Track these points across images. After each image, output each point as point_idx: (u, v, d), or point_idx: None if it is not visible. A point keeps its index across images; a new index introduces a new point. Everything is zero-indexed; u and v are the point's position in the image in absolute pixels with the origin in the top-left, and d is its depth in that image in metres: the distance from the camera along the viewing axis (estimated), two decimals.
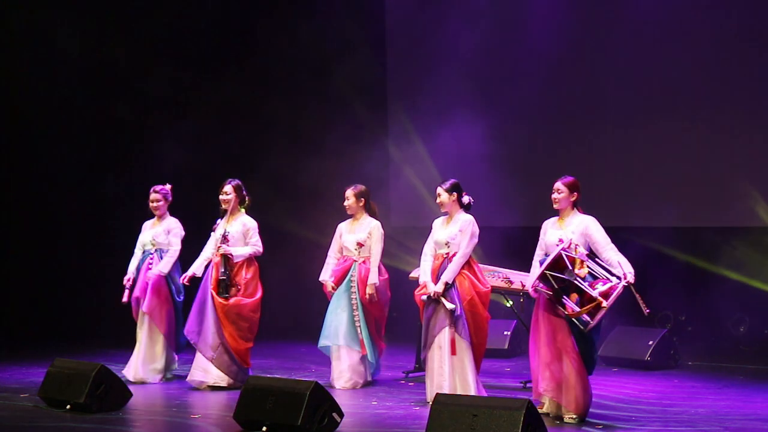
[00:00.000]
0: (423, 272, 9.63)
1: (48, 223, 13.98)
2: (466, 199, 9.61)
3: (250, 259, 10.57)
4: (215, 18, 14.41)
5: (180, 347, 11.05)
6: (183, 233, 11.08)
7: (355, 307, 10.37)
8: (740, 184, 12.32)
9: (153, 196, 11.08)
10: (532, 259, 9.03)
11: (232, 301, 10.42)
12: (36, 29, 13.65)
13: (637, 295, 8.43)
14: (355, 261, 10.46)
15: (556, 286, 8.51)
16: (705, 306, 12.82)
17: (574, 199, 8.90)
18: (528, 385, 10.22)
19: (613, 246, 8.76)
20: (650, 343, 11.18)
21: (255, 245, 10.56)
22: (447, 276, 9.43)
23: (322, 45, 14.33)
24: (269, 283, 11.06)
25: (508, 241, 12.52)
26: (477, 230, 9.51)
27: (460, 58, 13.72)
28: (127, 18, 14.11)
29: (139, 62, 13.96)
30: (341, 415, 8.44)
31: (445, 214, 9.68)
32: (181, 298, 11.01)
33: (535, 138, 13.62)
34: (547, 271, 8.53)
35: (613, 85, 13.13)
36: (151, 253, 11.03)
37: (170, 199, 11.15)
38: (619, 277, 8.49)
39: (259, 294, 10.56)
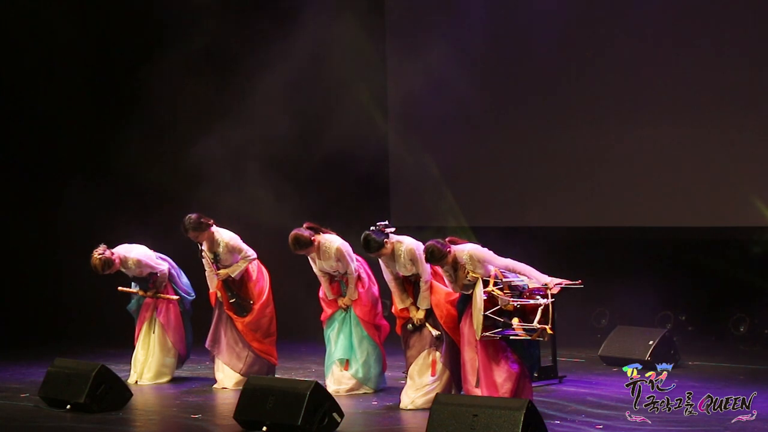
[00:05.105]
0: (400, 300, 9.48)
1: (48, 223, 13.96)
2: (388, 230, 9.43)
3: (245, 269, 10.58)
4: None
5: (186, 357, 11.06)
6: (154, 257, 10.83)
7: (351, 323, 10.09)
8: (741, 182, 12.30)
9: None
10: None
11: (248, 316, 10.49)
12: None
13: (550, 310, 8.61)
14: (340, 280, 10.13)
15: (501, 320, 8.59)
16: (705, 306, 12.81)
17: (448, 250, 8.87)
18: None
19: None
20: (650, 343, 11.15)
21: (245, 256, 10.51)
22: (424, 305, 9.35)
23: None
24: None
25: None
26: (422, 252, 9.22)
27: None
28: None
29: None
30: (341, 415, 8.44)
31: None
32: (192, 296, 10.98)
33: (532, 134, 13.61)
34: (485, 314, 8.58)
35: (617, 83, 13.11)
36: None
37: None
38: (540, 289, 8.67)
39: (265, 292, 10.59)
